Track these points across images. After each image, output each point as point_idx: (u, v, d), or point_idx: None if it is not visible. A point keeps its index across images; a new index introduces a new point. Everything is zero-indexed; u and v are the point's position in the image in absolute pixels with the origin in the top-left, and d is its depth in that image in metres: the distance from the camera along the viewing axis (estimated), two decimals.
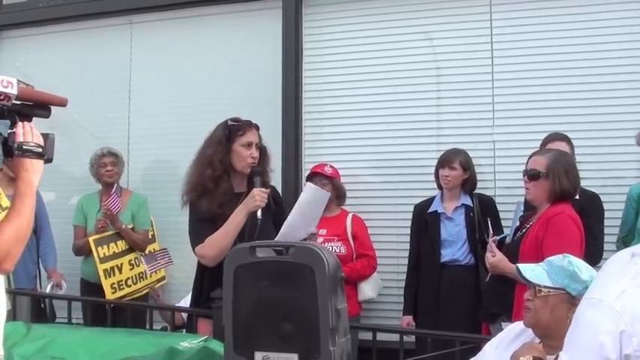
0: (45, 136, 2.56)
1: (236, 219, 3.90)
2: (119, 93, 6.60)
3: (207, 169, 4.03)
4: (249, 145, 4.06)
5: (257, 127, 4.16)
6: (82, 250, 5.95)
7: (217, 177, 4.02)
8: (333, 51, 6.06)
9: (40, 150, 2.50)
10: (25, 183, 2.48)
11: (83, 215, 6.03)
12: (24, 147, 2.46)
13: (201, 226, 4.02)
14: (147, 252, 6.02)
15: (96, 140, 6.21)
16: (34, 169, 2.49)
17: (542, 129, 5.14)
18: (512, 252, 4.02)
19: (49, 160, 2.58)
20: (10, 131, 2.47)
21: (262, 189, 3.92)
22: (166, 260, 5.88)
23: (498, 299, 4.01)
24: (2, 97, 2.43)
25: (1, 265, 2.40)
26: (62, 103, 2.65)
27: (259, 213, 3.87)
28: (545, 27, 5.50)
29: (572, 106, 5.41)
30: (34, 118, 2.58)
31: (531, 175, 4.06)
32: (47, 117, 2.62)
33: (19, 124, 2.48)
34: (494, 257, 4.06)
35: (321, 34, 6.12)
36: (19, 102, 2.51)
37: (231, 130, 4.09)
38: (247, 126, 4.11)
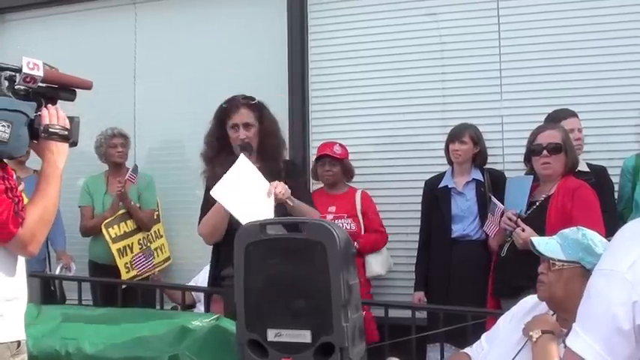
0: (70, 119, 2.56)
1: None
2: (124, 73, 6.58)
3: (207, 148, 4.15)
4: (235, 126, 4.05)
5: (249, 103, 4.09)
6: (91, 231, 5.94)
7: (214, 155, 4.10)
8: (339, 27, 6.01)
9: (66, 133, 2.52)
10: (51, 165, 2.50)
11: (89, 196, 6.01)
12: (50, 130, 2.48)
13: (204, 205, 4.10)
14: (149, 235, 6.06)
15: (102, 121, 6.17)
16: (59, 152, 2.51)
17: (550, 103, 5.13)
18: (535, 225, 4.04)
19: (74, 144, 2.59)
20: (35, 114, 2.46)
21: None
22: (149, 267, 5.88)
23: (525, 272, 3.98)
24: (28, 79, 2.44)
25: (26, 247, 2.42)
26: (87, 86, 2.65)
27: None
28: (552, 0, 5.45)
29: (580, 79, 5.38)
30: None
31: (553, 149, 4.13)
32: (72, 100, 2.62)
33: (45, 106, 2.49)
34: (525, 232, 4.06)
35: (326, 11, 6.07)
36: (44, 84, 2.51)
37: (223, 112, 4.12)
38: (234, 107, 4.07)
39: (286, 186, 3.80)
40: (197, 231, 4.11)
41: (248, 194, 3.71)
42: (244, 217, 3.52)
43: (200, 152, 4.22)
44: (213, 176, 4.05)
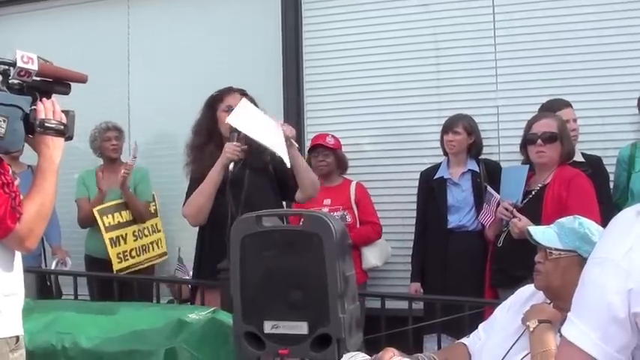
0: (65, 113, 2.54)
1: (211, 175, 4.00)
2: (118, 67, 6.56)
3: (195, 137, 4.24)
4: (228, 108, 4.09)
5: (242, 92, 4.21)
6: (88, 221, 5.91)
7: (203, 143, 4.18)
8: (334, 19, 6.00)
9: (62, 127, 2.50)
10: (47, 160, 2.49)
11: (86, 188, 5.98)
12: (46, 124, 2.46)
13: (190, 189, 4.19)
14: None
15: (97, 116, 6.15)
16: (55, 146, 2.50)
17: (546, 92, 5.12)
18: (531, 214, 4.05)
19: (69, 138, 2.58)
20: (31, 108, 2.45)
21: (235, 143, 3.94)
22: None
23: (522, 262, 3.98)
24: (23, 73, 2.42)
25: (24, 243, 2.41)
26: (82, 80, 2.63)
27: (231, 166, 3.91)
28: None
29: (575, 69, 5.38)
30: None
31: (548, 138, 4.15)
32: (67, 94, 2.60)
33: (40, 100, 2.48)
34: (521, 222, 4.06)
35: (320, 2, 6.06)
36: (38, 78, 2.49)
37: (215, 99, 4.23)
38: (227, 91, 4.23)
39: (291, 127, 4.00)
40: (182, 212, 4.20)
41: (260, 124, 3.87)
42: (265, 140, 3.77)
43: (186, 142, 4.30)
44: (201, 166, 4.10)
